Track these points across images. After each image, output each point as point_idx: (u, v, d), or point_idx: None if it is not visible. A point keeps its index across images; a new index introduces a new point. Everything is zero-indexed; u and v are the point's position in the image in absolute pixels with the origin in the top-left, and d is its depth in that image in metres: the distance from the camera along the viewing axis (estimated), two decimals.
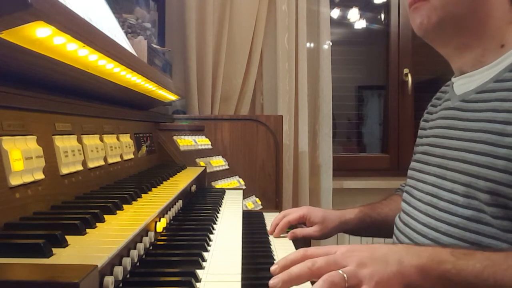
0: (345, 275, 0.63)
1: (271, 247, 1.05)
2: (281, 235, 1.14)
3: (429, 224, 0.87)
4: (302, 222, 1.18)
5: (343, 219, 1.18)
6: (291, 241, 1.11)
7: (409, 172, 1.03)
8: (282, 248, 1.05)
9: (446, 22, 0.87)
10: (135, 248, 0.64)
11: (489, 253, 0.67)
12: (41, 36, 0.61)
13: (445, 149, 0.90)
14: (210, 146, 1.88)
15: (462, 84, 0.92)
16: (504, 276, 0.63)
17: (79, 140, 0.89)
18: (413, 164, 1.03)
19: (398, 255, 0.66)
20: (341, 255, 0.67)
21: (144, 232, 0.71)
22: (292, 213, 1.18)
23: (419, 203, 0.93)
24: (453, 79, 0.98)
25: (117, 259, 0.56)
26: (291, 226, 1.17)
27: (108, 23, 1.17)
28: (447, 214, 0.84)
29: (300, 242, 1.16)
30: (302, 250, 0.71)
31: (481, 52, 0.87)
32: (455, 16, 0.86)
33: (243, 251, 0.77)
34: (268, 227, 1.18)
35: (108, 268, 0.52)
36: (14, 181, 0.64)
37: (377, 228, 1.19)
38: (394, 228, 1.02)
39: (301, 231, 1.14)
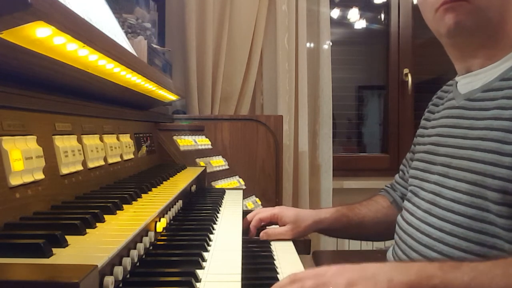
0: None
1: (271, 247, 1.05)
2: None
3: (433, 224, 0.87)
4: (274, 221, 1.16)
5: (317, 218, 1.16)
6: (291, 241, 1.11)
7: (413, 172, 1.03)
8: (282, 249, 1.05)
9: (482, 25, 0.86)
10: (135, 248, 0.64)
11: (476, 264, 0.67)
12: (41, 36, 0.61)
13: (450, 148, 0.90)
14: (210, 146, 1.88)
15: (467, 83, 0.93)
16: (491, 286, 0.63)
17: (79, 140, 0.89)
18: (416, 163, 1.02)
19: (388, 274, 0.66)
20: (330, 276, 0.67)
21: (144, 232, 0.71)
22: (264, 211, 1.17)
23: (422, 202, 0.93)
24: (456, 78, 0.98)
25: (117, 259, 0.56)
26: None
27: (108, 23, 1.16)
28: (450, 213, 0.84)
29: (300, 243, 1.16)
30: (292, 275, 0.71)
31: (494, 52, 0.88)
32: (490, 19, 0.86)
33: (243, 251, 0.77)
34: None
35: (108, 268, 0.52)
36: (14, 181, 0.64)
37: (353, 228, 1.18)
38: (396, 227, 1.02)
39: (273, 231, 1.13)
